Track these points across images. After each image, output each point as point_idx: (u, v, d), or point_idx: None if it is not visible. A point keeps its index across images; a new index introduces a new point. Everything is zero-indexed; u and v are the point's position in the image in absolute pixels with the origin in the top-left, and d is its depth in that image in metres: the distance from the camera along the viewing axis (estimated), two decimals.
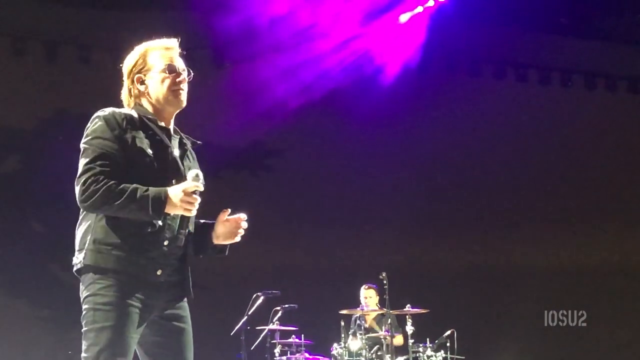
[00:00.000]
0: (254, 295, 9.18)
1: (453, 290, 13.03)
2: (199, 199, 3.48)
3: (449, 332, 9.46)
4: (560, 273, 13.68)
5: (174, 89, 3.64)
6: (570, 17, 13.47)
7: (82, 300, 3.50)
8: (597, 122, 14.37)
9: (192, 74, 3.76)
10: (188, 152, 3.74)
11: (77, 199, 3.43)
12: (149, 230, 3.47)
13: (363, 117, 13.18)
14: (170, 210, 3.45)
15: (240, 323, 9.13)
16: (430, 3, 13.00)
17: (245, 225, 3.73)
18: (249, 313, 9.13)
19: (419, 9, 13.08)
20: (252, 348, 9.46)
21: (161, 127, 3.62)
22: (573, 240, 14.01)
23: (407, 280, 11.51)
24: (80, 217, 3.58)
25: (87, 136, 3.51)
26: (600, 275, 13.80)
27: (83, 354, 3.44)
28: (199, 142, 3.85)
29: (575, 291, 13.65)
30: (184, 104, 3.71)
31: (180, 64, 3.71)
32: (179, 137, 3.74)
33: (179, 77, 3.66)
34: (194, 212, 3.52)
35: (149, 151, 3.51)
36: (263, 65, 12.61)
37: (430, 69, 13.48)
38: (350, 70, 13.00)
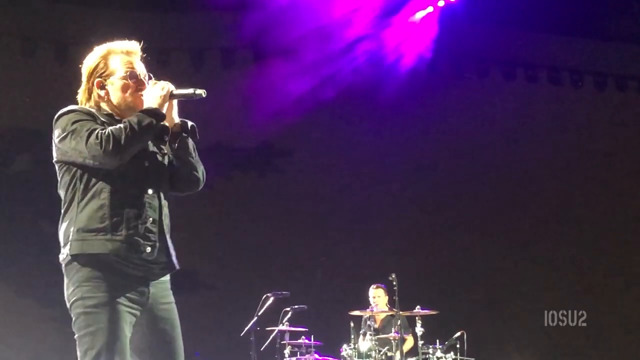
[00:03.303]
0: (264, 296, 9.16)
1: (463, 291, 13.01)
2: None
3: (458, 334, 9.43)
4: (560, 273, 13.67)
5: (135, 95, 3.62)
6: (581, 18, 13.42)
7: (69, 303, 3.48)
8: (608, 123, 14.32)
9: (152, 77, 3.70)
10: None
11: (98, 158, 3.39)
12: (131, 210, 3.47)
13: (372, 118, 13.17)
14: (159, 102, 3.50)
15: (250, 324, 9.12)
16: (441, 3, 12.98)
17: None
18: (259, 314, 9.11)
19: (430, 9, 13.07)
20: (262, 349, 9.45)
21: None
22: (575, 240, 13.98)
23: (416, 281, 11.49)
24: (61, 216, 3.58)
25: (64, 129, 3.49)
26: (600, 276, 13.77)
27: None
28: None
29: (575, 291, 13.63)
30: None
31: (141, 69, 3.68)
32: None
33: (140, 84, 3.63)
34: (172, 87, 3.56)
35: None
36: (272, 66, 12.60)
37: (441, 69, 13.46)
38: (360, 72, 12.98)
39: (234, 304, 11.20)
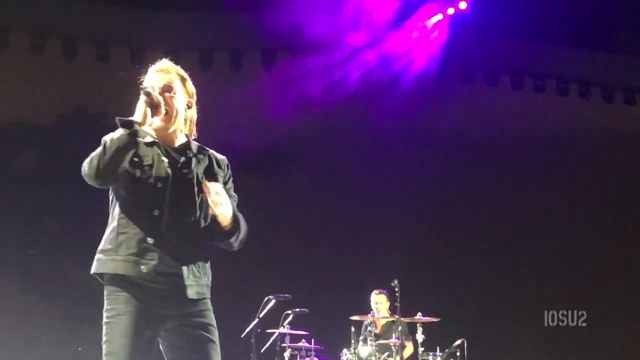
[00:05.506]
0: (266, 299, 9.15)
1: (465, 299, 12.99)
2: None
3: (459, 342, 9.42)
4: (560, 273, 13.66)
5: (151, 113, 3.68)
6: (590, 30, 13.41)
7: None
8: (615, 134, 14.31)
9: (174, 90, 3.78)
10: (195, 162, 3.79)
11: (88, 181, 3.59)
12: (132, 230, 3.61)
13: (378, 124, 13.16)
14: (142, 109, 3.59)
15: (251, 326, 9.11)
16: (450, 11, 12.98)
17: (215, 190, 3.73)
18: (260, 316, 9.10)
19: (439, 16, 13.06)
20: (262, 351, 9.45)
21: (150, 143, 3.71)
22: (575, 240, 13.98)
23: (418, 288, 11.48)
24: None
25: None
26: (600, 275, 13.76)
27: None
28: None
29: (575, 291, 13.62)
30: (169, 123, 3.77)
31: (158, 85, 3.75)
32: (185, 150, 3.80)
33: (151, 100, 3.67)
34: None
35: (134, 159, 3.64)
36: (280, 69, 12.61)
37: (448, 77, 13.46)
38: (368, 77, 12.98)
39: (235, 305, 11.18)
